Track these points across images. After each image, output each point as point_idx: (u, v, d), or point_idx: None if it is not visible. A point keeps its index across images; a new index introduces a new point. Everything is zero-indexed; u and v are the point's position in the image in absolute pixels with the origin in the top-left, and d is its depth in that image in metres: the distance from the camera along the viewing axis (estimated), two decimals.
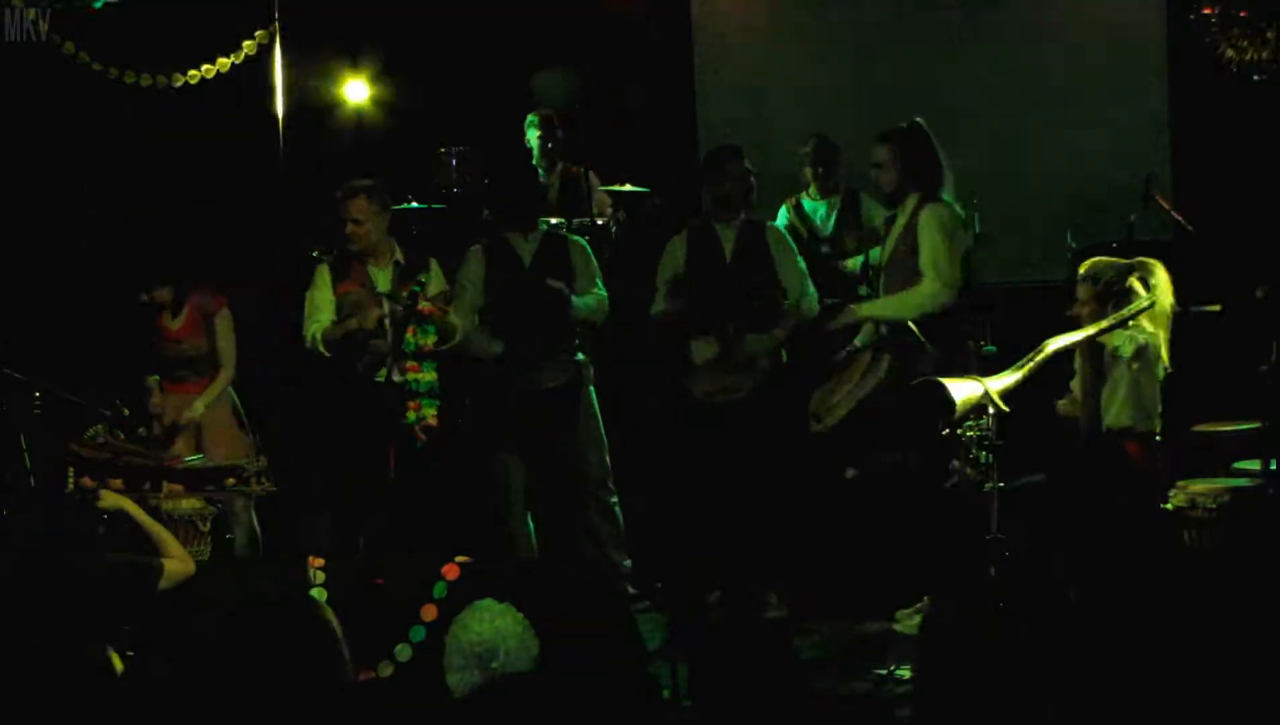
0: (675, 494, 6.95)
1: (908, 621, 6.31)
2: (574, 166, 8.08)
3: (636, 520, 7.07)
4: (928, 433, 6.16)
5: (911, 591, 6.37)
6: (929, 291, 6.25)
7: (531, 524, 6.88)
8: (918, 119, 6.43)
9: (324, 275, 6.79)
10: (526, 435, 6.79)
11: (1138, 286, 5.85)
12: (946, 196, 6.39)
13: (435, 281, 6.78)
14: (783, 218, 8.02)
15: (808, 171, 8.15)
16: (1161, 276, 5.91)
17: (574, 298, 6.78)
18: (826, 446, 6.62)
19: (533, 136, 8.10)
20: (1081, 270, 6.02)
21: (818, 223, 8.10)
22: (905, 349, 6.27)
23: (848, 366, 6.47)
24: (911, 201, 6.40)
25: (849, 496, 6.85)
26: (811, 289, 6.91)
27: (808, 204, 8.16)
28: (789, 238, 7.05)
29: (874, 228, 7.66)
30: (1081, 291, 5.94)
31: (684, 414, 6.84)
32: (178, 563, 4.83)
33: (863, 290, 7.78)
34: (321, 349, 6.68)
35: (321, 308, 6.73)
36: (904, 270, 6.35)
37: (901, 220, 6.43)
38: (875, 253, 7.00)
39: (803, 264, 6.94)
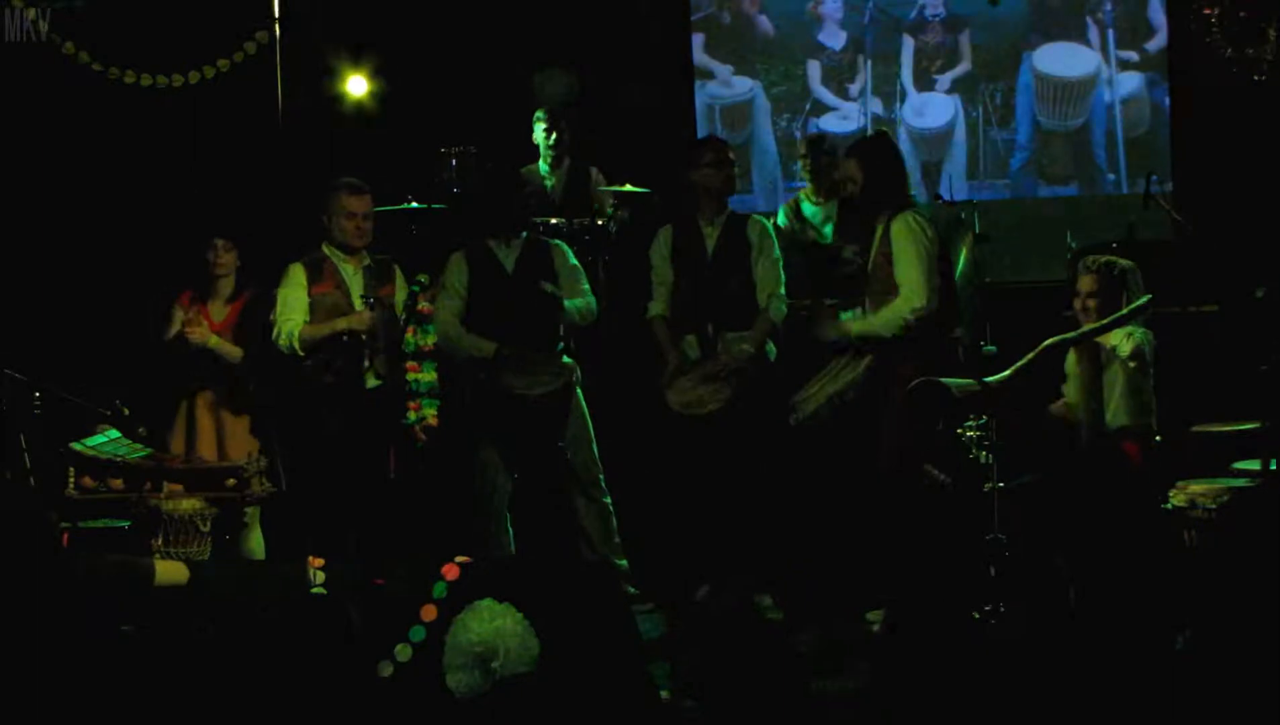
0: (662, 498, 6.95)
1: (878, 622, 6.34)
2: (580, 164, 8.09)
3: (630, 521, 7.06)
4: (927, 432, 6.19)
5: (882, 592, 6.39)
6: (905, 307, 6.26)
7: (510, 527, 6.87)
8: (882, 129, 6.48)
9: (298, 274, 6.75)
10: (515, 439, 6.77)
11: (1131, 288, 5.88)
12: (918, 202, 6.43)
13: (400, 287, 6.78)
14: (781, 220, 7.96)
15: (805, 173, 8.12)
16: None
17: (565, 302, 6.76)
18: (808, 445, 6.63)
19: (539, 132, 8.09)
20: (1091, 262, 6.00)
21: (818, 227, 8.06)
22: (887, 348, 6.29)
23: (830, 360, 6.47)
24: (883, 215, 6.41)
25: (835, 495, 6.86)
26: (782, 291, 6.82)
27: (807, 208, 8.06)
28: (772, 235, 6.92)
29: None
30: (1086, 283, 5.93)
31: (663, 423, 6.80)
32: (170, 566, 4.84)
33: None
34: (298, 348, 6.66)
35: (295, 307, 6.70)
36: (882, 280, 6.36)
37: (878, 231, 6.43)
38: None
39: (779, 265, 6.86)
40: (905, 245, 6.29)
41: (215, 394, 6.92)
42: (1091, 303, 5.93)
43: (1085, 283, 5.99)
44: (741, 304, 6.77)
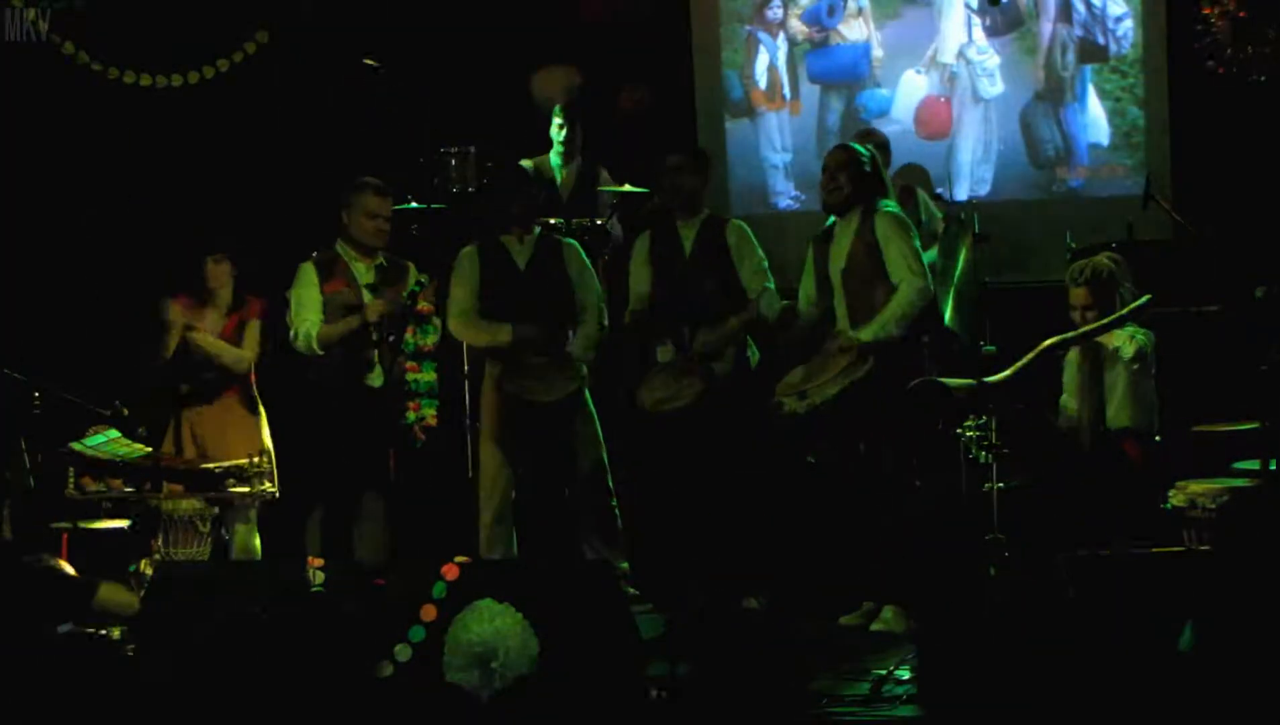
0: (646, 499, 6.95)
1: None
2: (591, 164, 8.10)
3: (629, 520, 7.06)
4: (927, 431, 6.19)
5: (857, 594, 6.42)
6: (917, 291, 6.28)
7: (514, 529, 6.86)
8: (873, 130, 6.52)
9: (310, 274, 6.78)
10: (524, 440, 6.76)
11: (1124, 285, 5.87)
12: (890, 205, 6.48)
13: (411, 284, 6.79)
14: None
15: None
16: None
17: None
18: (787, 443, 6.60)
19: (555, 128, 8.10)
20: (1078, 273, 5.97)
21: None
22: (886, 350, 6.27)
23: (824, 357, 6.40)
24: (855, 212, 6.42)
25: (815, 493, 6.85)
26: (771, 285, 6.80)
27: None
28: (750, 234, 6.90)
29: (933, 230, 7.58)
30: (1080, 296, 5.90)
31: (637, 422, 6.79)
32: (118, 592, 4.86)
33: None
34: (316, 348, 6.67)
35: (310, 307, 6.72)
36: (866, 277, 6.37)
37: (849, 227, 6.43)
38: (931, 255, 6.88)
39: (763, 262, 6.83)
40: (897, 237, 6.33)
41: (207, 400, 6.86)
42: (1090, 315, 5.90)
43: (1078, 296, 5.96)
44: (718, 305, 6.75)
